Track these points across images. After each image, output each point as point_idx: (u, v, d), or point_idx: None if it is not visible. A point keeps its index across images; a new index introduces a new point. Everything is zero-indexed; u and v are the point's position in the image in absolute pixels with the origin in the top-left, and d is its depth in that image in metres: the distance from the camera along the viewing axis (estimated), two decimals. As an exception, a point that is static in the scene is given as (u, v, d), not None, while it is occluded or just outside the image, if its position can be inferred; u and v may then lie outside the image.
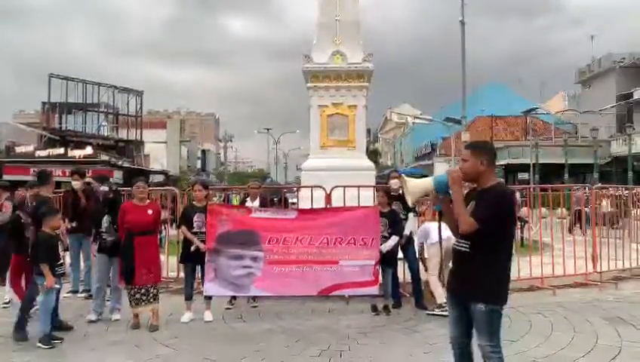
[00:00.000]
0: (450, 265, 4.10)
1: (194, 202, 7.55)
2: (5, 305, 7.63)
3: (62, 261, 6.28)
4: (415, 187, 3.90)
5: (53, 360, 5.55)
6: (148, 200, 7.08)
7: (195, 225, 7.14)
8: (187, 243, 7.20)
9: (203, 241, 7.08)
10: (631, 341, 5.88)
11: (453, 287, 3.93)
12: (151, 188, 8.79)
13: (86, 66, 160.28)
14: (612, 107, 37.91)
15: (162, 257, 7.62)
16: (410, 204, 3.96)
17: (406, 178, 3.98)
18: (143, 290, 6.68)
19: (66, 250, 6.35)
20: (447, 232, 4.27)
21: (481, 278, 3.66)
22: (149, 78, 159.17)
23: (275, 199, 8.85)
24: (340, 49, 12.37)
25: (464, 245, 3.71)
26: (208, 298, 7.15)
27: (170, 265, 8.50)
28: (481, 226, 3.55)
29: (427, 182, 3.89)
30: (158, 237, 7.10)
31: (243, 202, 8.80)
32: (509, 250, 3.82)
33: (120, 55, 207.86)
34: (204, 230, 7.05)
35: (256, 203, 8.31)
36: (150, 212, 6.85)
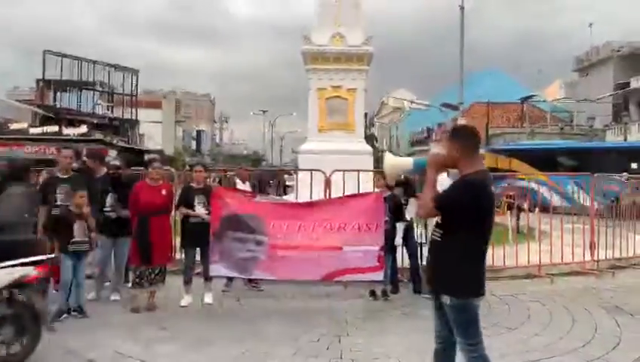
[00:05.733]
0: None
1: (192, 184, 7.46)
2: None
3: (76, 238, 6.22)
4: (394, 165, 3.89)
5: (49, 339, 5.46)
6: (161, 181, 7.04)
7: (196, 207, 7.03)
8: (187, 225, 7.09)
9: (203, 222, 6.98)
10: (630, 331, 5.88)
11: (428, 277, 3.86)
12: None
13: (82, 42, 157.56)
14: (609, 96, 37.82)
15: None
16: (388, 182, 4.03)
17: (388, 155, 3.96)
18: (157, 270, 6.72)
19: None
20: None
21: (449, 269, 3.45)
22: (144, 56, 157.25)
23: (272, 182, 8.72)
24: (340, 31, 12.17)
25: (437, 234, 3.56)
26: (209, 280, 7.09)
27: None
28: (435, 210, 3.42)
29: (407, 162, 3.87)
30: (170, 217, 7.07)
31: (233, 185, 8.73)
32: (480, 241, 3.50)
33: (116, 32, 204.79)
34: (206, 211, 6.96)
35: (247, 186, 8.28)
36: (164, 192, 6.87)
